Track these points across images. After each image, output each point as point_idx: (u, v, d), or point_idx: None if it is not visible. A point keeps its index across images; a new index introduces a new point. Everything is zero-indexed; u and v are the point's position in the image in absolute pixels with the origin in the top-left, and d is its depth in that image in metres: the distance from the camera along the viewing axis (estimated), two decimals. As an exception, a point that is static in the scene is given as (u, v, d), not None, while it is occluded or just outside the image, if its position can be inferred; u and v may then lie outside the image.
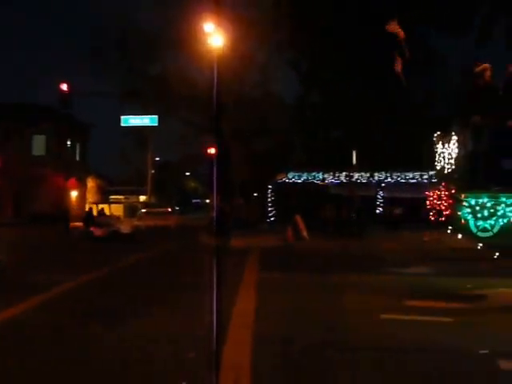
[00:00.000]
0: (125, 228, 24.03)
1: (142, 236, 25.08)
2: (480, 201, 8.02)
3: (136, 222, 30.43)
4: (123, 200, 50.12)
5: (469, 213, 8.07)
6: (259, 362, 5.73)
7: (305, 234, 23.15)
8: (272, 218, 31.27)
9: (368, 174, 31.68)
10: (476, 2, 25.44)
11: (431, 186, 10.87)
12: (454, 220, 8.39)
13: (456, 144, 8.72)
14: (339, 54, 29.60)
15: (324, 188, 31.69)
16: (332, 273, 12.71)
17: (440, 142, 10.13)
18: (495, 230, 8.09)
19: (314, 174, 32.40)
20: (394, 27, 11.76)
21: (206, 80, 27.76)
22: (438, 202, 9.32)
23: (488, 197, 8.04)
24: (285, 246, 20.33)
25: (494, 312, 8.59)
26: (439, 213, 9.47)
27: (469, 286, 10.64)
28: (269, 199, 32.19)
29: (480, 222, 8.09)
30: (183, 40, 27.01)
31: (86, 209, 36.12)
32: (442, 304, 8.96)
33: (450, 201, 8.49)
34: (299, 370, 5.67)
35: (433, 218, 10.14)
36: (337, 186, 31.54)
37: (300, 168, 32.89)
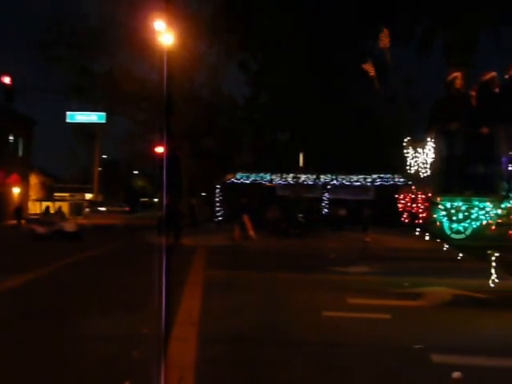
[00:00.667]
0: (69, 226, 23.49)
1: (87, 235, 24.64)
2: (455, 204, 8.26)
3: (82, 221, 29.83)
4: (68, 198, 48.94)
5: (444, 216, 8.32)
6: (204, 359, 5.77)
7: (252, 233, 23.38)
8: (220, 218, 31.39)
9: (314, 176, 32.31)
10: (419, 15, 26.51)
11: (401, 189, 11.14)
12: (430, 222, 8.62)
13: (431, 149, 8.95)
14: (289, 57, 30.09)
15: (271, 189, 32.07)
16: (277, 271, 12.95)
17: (411, 147, 10.45)
18: (468, 232, 8.36)
19: (261, 175, 32.73)
20: (368, 66, 12.19)
21: (155, 78, 27.66)
22: (413, 205, 9.51)
23: (462, 200, 8.29)
24: (232, 245, 20.48)
25: (429, 309, 9.05)
26: (413, 215, 9.68)
27: (406, 284, 11.09)
28: (217, 199, 32.29)
29: (454, 225, 8.35)
30: (132, 37, 26.77)
31: (35, 206, 35.10)
32: (381, 301, 9.32)
33: (426, 204, 8.68)
34: (243, 368, 5.74)
35: (406, 220, 10.45)
36: (284, 187, 32.00)
37: (248, 169, 33.15)
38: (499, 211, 8.17)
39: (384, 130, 35.61)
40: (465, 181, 8.53)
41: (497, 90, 8.77)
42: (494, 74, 8.82)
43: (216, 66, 31.57)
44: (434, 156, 8.74)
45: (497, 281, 8.96)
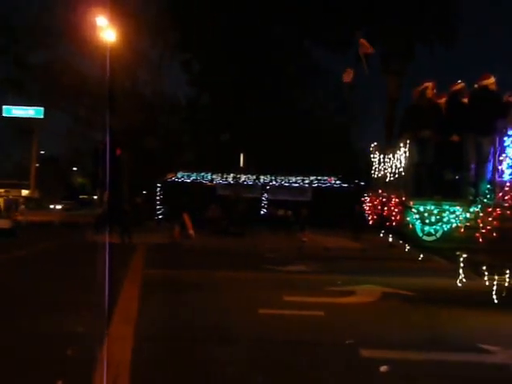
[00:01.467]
0: (3, 223, 22.70)
1: (23, 232, 23.89)
2: (427, 208, 8.55)
3: (17, 217, 28.84)
4: (3, 194, 47.10)
5: (417, 218, 8.59)
6: (140, 358, 5.75)
7: (191, 232, 23.39)
8: (160, 216, 31.18)
9: (254, 177, 32.68)
10: (353, 25, 27.42)
11: (366, 192, 11.43)
12: (403, 225, 8.87)
13: (403, 155, 9.25)
14: (230, 59, 30.32)
15: (212, 188, 32.15)
16: (215, 270, 13.07)
17: (377, 152, 10.74)
18: (438, 234, 8.69)
19: (202, 174, 32.76)
20: (348, 76, 12.43)
21: (96, 75, 27.14)
22: (384, 208, 9.73)
23: (433, 204, 8.58)
24: (171, 244, 20.44)
25: (361, 306, 9.45)
26: (382, 217, 9.93)
27: (339, 282, 11.48)
28: (158, 197, 32.04)
29: (426, 227, 8.65)
30: (74, 31, 26.16)
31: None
32: (315, 299, 9.61)
33: (399, 207, 8.91)
34: (179, 366, 5.77)
35: (371, 222, 10.80)
36: (224, 187, 32.16)
37: (189, 168, 33.09)
38: (468, 215, 8.53)
39: (324, 133, 36.53)
40: (435, 186, 8.86)
41: (465, 100, 9.11)
42: (462, 84, 9.21)
43: (159, 65, 31.33)
44: (406, 162, 9.03)
45: (464, 280, 9.32)
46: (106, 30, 15.73)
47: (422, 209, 8.53)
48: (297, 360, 6.11)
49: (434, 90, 9.47)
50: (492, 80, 8.84)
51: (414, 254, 11.13)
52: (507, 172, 8.34)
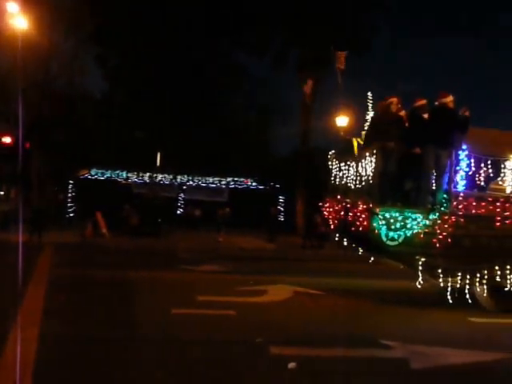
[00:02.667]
0: None
1: None
2: (393, 214, 9.00)
3: None
4: None
5: (383, 224, 8.99)
6: (44, 360, 5.62)
7: (104, 230, 22.84)
8: (72, 214, 30.12)
9: (171, 176, 32.40)
10: (270, 31, 27.98)
11: (326, 197, 11.76)
12: (369, 230, 9.20)
13: (368, 164, 9.67)
14: (147, 57, 29.92)
15: (127, 187, 31.49)
16: (128, 270, 12.84)
17: (335, 160, 11.19)
18: (400, 239, 9.08)
19: (118, 172, 32.01)
20: (308, 87, 12.56)
21: (4, 63, 25.80)
22: (349, 214, 10.05)
23: (397, 211, 9.04)
24: (83, 243, 19.84)
25: (272, 305, 9.65)
26: (345, 223, 10.25)
27: (252, 282, 11.65)
28: (69, 194, 30.94)
29: (391, 233, 9.04)
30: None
31: None
32: (228, 298, 9.72)
33: (366, 213, 9.27)
34: (87, 368, 5.67)
35: (332, 227, 11.13)
36: (140, 186, 31.62)
37: (104, 165, 32.22)
38: (427, 222, 9.04)
39: (243, 134, 36.86)
40: (398, 194, 9.40)
41: (425, 115, 9.70)
42: (424, 101, 9.83)
43: (72, 58, 30.24)
44: (372, 171, 9.49)
45: (420, 283, 9.72)
46: (16, 17, 14.96)
47: (387, 215, 9.00)
48: (205, 359, 6.16)
49: (399, 105, 10.08)
50: (450, 98, 9.55)
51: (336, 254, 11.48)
52: (461, 183, 9.09)
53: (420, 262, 9.15)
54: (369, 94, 19.17)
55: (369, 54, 28.12)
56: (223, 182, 32.71)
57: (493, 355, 6.62)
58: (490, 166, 9.24)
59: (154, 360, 6.03)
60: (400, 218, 8.97)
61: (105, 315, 8.09)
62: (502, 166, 9.44)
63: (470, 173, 9.13)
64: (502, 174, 9.47)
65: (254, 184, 33.21)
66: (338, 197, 10.95)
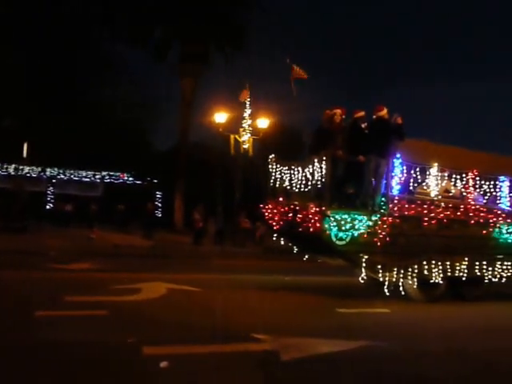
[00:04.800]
0: None
1: None
2: (343, 216, 9.81)
3: None
4: None
5: (334, 226, 9.76)
6: None
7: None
8: None
9: (39, 169, 30.59)
10: (151, 23, 27.46)
11: (267, 198, 11.94)
12: (320, 231, 9.84)
13: (316, 170, 10.41)
14: (18, 44, 28.04)
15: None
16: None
17: (275, 164, 11.62)
18: (347, 239, 9.87)
19: (-23, 163, 29.64)
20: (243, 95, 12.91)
21: None
22: (298, 215, 10.57)
23: (346, 213, 9.87)
24: None
25: (146, 303, 9.42)
26: (291, 224, 10.74)
27: (125, 280, 11.32)
28: None
29: (340, 233, 9.82)
30: None
31: None
32: (100, 298, 9.33)
33: (318, 215, 9.86)
34: None
35: (277, 228, 11.45)
36: (4, 179, 29.49)
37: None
38: (370, 223, 9.98)
39: (120, 128, 35.70)
40: (345, 198, 10.29)
41: (364, 125, 10.76)
42: (363, 113, 10.82)
43: None
44: (323, 176, 10.23)
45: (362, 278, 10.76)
46: None
47: (338, 217, 9.79)
48: (76, 360, 5.86)
49: (343, 116, 10.96)
50: (385, 111, 10.63)
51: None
52: (396, 188, 10.31)
53: (363, 260, 10.03)
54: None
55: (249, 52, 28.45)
56: (98, 176, 31.50)
57: (358, 343, 6.98)
58: (418, 173, 10.52)
59: (21, 364, 5.62)
60: (349, 220, 9.83)
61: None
62: (428, 172, 10.66)
63: (402, 178, 10.37)
64: (427, 180, 10.71)
65: (130, 179, 32.37)
66: (280, 199, 11.47)
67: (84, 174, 31.15)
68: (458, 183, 11.18)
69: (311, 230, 9.95)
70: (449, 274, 10.72)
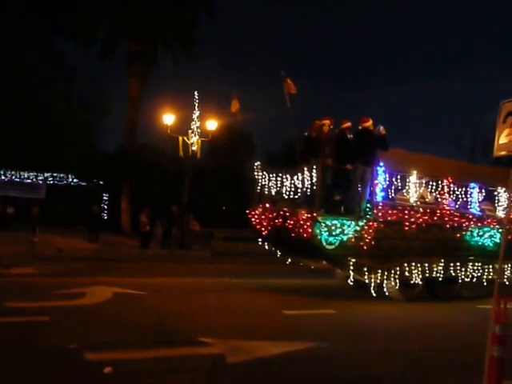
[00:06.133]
0: None
1: None
2: (333, 222, 10.25)
3: None
4: None
5: (325, 231, 10.20)
6: None
7: None
8: None
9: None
10: (98, 20, 26.95)
11: (251, 206, 12.18)
12: (312, 236, 10.20)
13: (306, 178, 10.93)
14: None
15: None
16: None
17: (262, 171, 12.00)
18: (336, 243, 10.32)
19: None
20: (234, 106, 13.57)
21: None
22: (287, 221, 10.90)
23: (335, 219, 10.29)
24: None
25: (90, 308, 9.21)
26: (279, 229, 11.09)
27: (69, 285, 11.06)
28: None
29: (330, 238, 10.25)
30: None
31: None
32: (42, 303, 9.07)
33: (309, 221, 10.22)
34: None
35: (265, 233, 11.64)
36: None
37: None
38: (357, 228, 10.46)
39: (64, 128, 34.78)
40: (334, 204, 10.71)
41: (350, 136, 11.25)
42: (349, 123, 11.31)
43: None
44: (313, 184, 10.69)
45: (351, 280, 11.18)
46: None
47: (328, 223, 10.22)
48: (17, 368, 5.69)
49: (331, 126, 11.45)
50: (370, 122, 11.20)
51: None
52: (380, 194, 10.77)
53: (351, 263, 10.51)
54: (195, 93, 19.58)
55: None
56: (40, 178, 30.52)
57: (303, 344, 7.08)
58: (398, 180, 11.07)
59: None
60: (338, 225, 10.31)
61: None
62: (407, 180, 11.23)
63: (385, 185, 10.83)
64: (406, 187, 11.25)
65: (75, 180, 31.58)
66: (267, 205, 11.80)
67: (26, 175, 30.13)
68: (433, 190, 11.77)
69: (303, 235, 10.38)
70: (427, 274, 11.34)
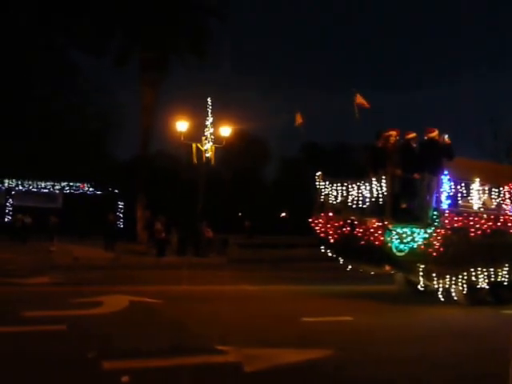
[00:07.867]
0: None
1: None
2: (404, 230, 10.67)
3: None
4: None
5: (396, 238, 10.65)
6: None
7: None
8: None
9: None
10: (109, 28, 27.08)
11: (314, 214, 12.65)
12: (383, 243, 10.66)
13: (375, 188, 11.28)
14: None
15: None
16: None
17: (323, 181, 12.46)
18: (406, 250, 10.73)
19: None
20: (298, 120, 13.80)
21: None
22: (356, 229, 11.30)
23: (405, 227, 10.68)
24: None
25: (107, 316, 9.22)
26: (347, 237, 11.50)
27: (87, 293, 11.09)
28: None
29: (401, 246, 10.71)
30: None
31: None
32: (59, 312, 9.10)
33: (380, 229, 10.69)
34: None
35: (332, 241, 12.13)
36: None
37: None
38: (426, 235, 10.81)
39: (79, 137, 35.09)
40: (400, 212, 10.97)
41: (415, 145, 11.67)
42: (414, 134, 11.74)
43: None
44: (383, 193, 11.08)
45: (421, 287, 11.61)
46: None
47: (399, 231, 10.67)
48: (36, 377, 5.69)
49: (397, 137, 11.97)
50: (436, 132, 11.60)
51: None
52: (446, 202, 11.13)
53: (420, 269, 11.00)
54: (208, 99, 19.64)
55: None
56: (57, 187, 30.75)
57: (323, 352, 6.99)
58: (463, 188, 11.51)
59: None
60: (409, 233, 10.71)
61: None
62: (471, 187, 11.60)
63: (450, 193, 11.24)
64: (470, 194, 11.64)
65: (91, 189, 31.79)
66: (330, 214, 12.19)
67: (43, 185, 30.38)
68: (496, 196, 12.04)
69: (374, 242, 10.76)
70: (492, 279, 11.65)
